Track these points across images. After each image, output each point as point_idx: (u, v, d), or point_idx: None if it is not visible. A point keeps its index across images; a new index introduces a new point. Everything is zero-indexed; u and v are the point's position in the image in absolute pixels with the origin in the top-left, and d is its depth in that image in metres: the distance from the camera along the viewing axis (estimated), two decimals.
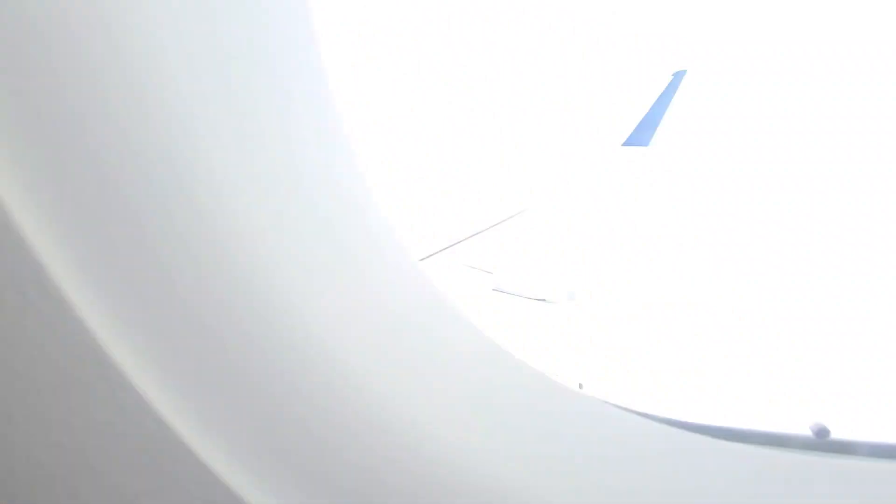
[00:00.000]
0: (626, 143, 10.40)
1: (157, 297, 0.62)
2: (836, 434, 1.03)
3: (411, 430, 0.69)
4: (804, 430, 1.04)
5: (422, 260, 3.89)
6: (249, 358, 0.66)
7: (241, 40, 0.67)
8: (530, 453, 0.73)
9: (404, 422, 0.69)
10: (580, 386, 2.71)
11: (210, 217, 0.63)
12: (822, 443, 1.01)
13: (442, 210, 5.52)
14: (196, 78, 0.62)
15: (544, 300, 3.86)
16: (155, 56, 0.59)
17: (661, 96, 11.38)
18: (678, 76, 11.73)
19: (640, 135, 10.49)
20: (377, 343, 0.73)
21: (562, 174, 8.45)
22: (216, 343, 0.65)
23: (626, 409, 0.83)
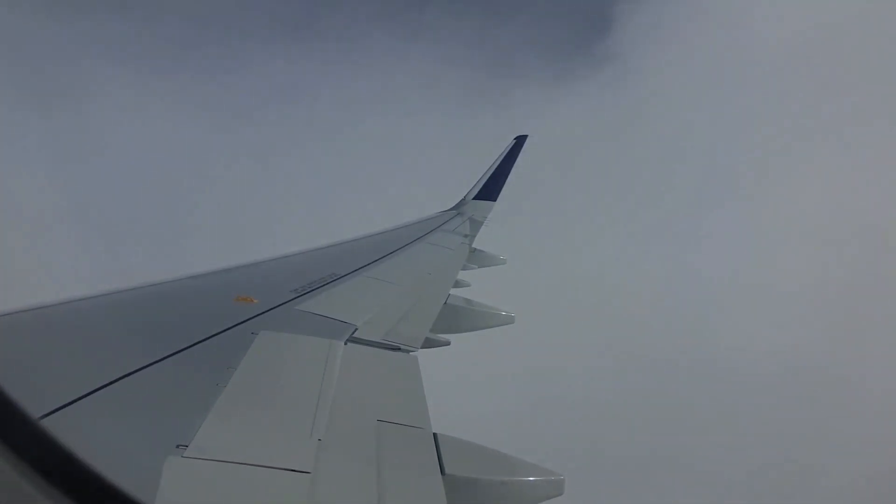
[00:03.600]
0: (477, 198, 10.93)
1: None
2: None
3: None
4: None
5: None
6: None
7: None
8: None
9: None
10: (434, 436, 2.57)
11: None
12: None
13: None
14: None
15: (399, 348, 3.72)
16: None
17: (505, 157, 12.14)
18: (521, 140, 12.65)
19: (489, 190, 11.13)
20: None
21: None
22: None
23: None
